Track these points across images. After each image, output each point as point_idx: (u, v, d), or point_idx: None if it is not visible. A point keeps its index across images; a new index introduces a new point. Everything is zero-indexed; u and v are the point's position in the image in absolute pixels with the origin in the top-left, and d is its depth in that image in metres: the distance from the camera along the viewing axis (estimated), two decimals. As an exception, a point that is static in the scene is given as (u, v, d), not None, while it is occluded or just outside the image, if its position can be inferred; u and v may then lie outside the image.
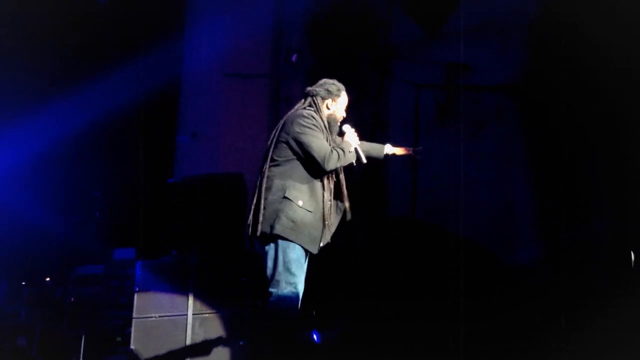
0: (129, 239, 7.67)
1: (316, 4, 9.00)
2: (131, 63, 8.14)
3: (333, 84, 5.42)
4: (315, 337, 6.46)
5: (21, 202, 7.78)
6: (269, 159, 5.21)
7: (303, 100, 5.41)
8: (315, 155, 5.09)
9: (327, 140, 5.22)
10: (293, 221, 5.03)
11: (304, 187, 5.13)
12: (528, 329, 6.20)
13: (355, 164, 5.34)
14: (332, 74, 8.13)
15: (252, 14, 8.93)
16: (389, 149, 5.60)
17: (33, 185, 8.02)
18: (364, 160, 5.32)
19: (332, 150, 5.14)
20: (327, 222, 5.22)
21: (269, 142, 5.27)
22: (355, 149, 5.29)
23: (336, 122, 5.38)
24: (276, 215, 5.03)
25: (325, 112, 5.34)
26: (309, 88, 5.43)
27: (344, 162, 5.22)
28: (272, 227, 5.02)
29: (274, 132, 5.30)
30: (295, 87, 8.88)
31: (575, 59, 7.44)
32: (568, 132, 7.58)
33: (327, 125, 5.30)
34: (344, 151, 5.19)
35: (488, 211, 8.21)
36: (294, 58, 8.88)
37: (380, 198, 8.68)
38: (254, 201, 5.16)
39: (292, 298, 5.02)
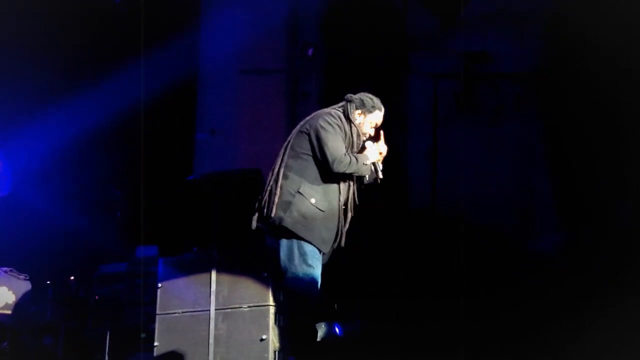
0: (151, 237, 7.71)
1: (330, -4, 9.01)
2: (149, 60, 8.17)
3: (370, 99, 5.36)
4: (337, 330, 6.47)
5: (44, 201, 7.85)
6: (288, 148, 5.21)
7: (338, 104, 5.40)
8: (327, 153, 5.07)
9: (346, 147, 5.19)
10: (304, 217, 5.03)
11: (318, 186, 5.12)
12: (529, 329, 6.20)
13: (367, 179, 5.29)
14: (349, 67, 8.18)
15: (266, 9, 8.94)
16: None
17: (55, 184, 8.08)
18: (381, 176, 5.29)
19: (345, 155, 5.11)
20: (340, 225, 5.21)
21: (292, 132, 5.27)
22: (374, 164, 5.25)
23: (360, 136, 5.31)
24: (288, 208, 5.03)
25: (353, 120, 5.30)
26: (349, 94, 5.39)
27: (355, 171, 5.15)
28: (281, 218, 5.02)
29: (299, 123, 5.30)
30: (312, 82, 8.90)
31: (593, 46, 7.41)
32: (587, 119, 7.55)
33: (353, 133, 5.25)
34: (357, 160, 5.13)
35: (508, 200, 8.20)
36: (310, 52, 8.89)
37: (400, 190, 8.66)
38: (269, 185, 5.15)
39: (311, 290, 5.04)
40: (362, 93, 5.39)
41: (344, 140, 5.19)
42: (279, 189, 5.08)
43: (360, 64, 8.59)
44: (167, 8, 8.56)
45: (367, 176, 5.26)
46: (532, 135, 8.31)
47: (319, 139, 5.12)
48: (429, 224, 7.99)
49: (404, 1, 8.93)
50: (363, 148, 5.32)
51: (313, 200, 5.07)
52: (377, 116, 5.37)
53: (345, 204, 5.25)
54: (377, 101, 5.38)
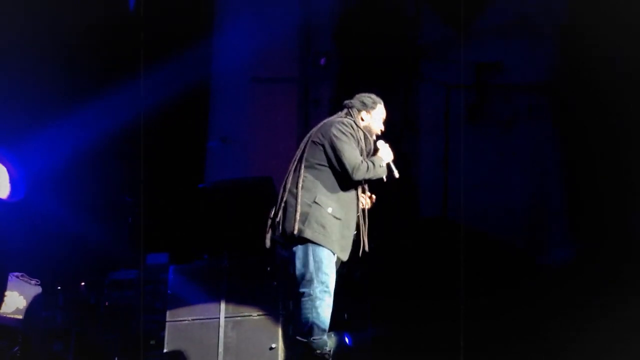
0: (162, 244, 7.73)
1: (343, 5, 9.00)
2: (161, 68, 8.19)
3: (369, 97, 5.40)
4: (347, 339, 6.46)
5: (55, 208, 7.86)
6: (303, 160, 5.22)
7: (340, 112, 5.43)
8: (346, 163, 5.09)
9: (360, 153, 5.23)
10: (323, 227, 5.03)
11: (334, 195, 5.12)
12: (530, 329, 6.19)
13: (385, 179, 5.31)
14: (361, 75, 8.16)
15: (279, 18, 8.96)
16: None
17: (66, 191, 8.10)
18: (397, 175, 5.30)
19: (362, 162, 5.14)
20: (361, 230, 5.23)
21: (303, 143, 5.28)
22: (388, 163, 5.27)
23: (371, 135, 5.35)
24: (306, 219, 5.04)
25: (360, 124, 5.34)
26: (346, 100, 5.44)
27: (373, 176, 5.18)
28: (301, 230, 5.03)
29: (309, 134, 5.31)
30: (324, 90, 8.91)
31: (606, 57, 7.39)
32: (600, 130, 7.53)
33: (362, 137, 5.29)
34: (374, 164, 5.16)
35: (520, 210, 8.18)
36: (322, 62, 8.89)
37: (411, 199, 8.66)
38: (283, 200, 5.15)
39: (325, 297, 5.03)
40: (357, 95, 5.44)
41: (359, 149, 5.22)
42: (299, 201, 5.08)
43: (372, 71, 8.59)
44: (181, 16, 8.58)
45: (384, 177, 5.28)
46: (545, 145, 8.29)
47: (334, 149, 5.14)
48: (438, 231, 7.97)
49: (416, 10, 8.94)
50: (375, 149, 5.35)
51: (330, 210, 5.08)
52: (381, 110, 5.44)
53: (360, 210, 5.27)
54: (374, 96, 5.44)
